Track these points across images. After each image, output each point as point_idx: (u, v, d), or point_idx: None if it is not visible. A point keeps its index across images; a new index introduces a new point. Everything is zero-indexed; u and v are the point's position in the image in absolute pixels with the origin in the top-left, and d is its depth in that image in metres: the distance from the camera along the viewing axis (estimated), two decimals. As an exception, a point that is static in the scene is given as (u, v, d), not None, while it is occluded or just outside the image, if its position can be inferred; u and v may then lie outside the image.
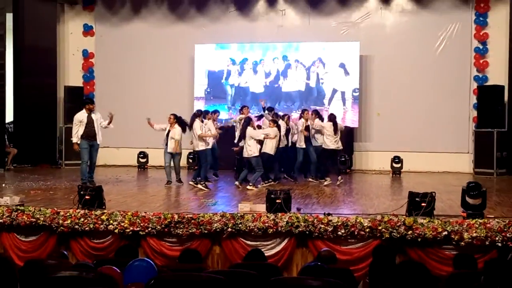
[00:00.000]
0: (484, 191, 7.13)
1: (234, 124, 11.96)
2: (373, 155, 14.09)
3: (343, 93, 13.88)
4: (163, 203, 8.93)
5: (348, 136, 13.52)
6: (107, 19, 15.35)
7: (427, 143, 13.66)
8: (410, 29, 14.02)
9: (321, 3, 14.28)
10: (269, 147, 10.67)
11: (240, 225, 7.07)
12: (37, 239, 7.56)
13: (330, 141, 10.85)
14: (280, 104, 14.06)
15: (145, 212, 7.41)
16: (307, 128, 11.48)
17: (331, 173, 11.28)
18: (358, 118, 13.89)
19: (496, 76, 13.36)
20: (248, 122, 10.64)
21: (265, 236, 7.09)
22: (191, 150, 12.19)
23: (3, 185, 10.92)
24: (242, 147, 10.70)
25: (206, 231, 7.13)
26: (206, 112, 11.51)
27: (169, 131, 10.68)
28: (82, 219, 7.35)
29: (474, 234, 6.61)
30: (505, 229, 6.58)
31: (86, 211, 7.49)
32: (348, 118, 13.84)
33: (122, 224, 7.25)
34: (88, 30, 15.49)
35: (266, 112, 11.75)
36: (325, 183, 10.88)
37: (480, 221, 6.76)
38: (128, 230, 7.23)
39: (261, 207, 7.51)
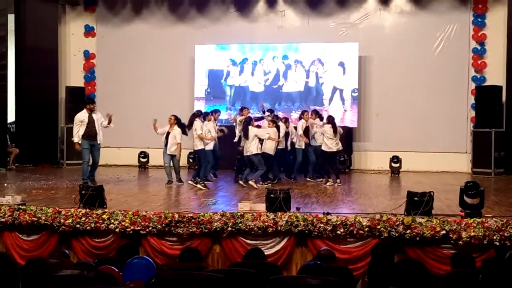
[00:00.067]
0: (482, 191, 7.13)
1: (234, 124, 11.94)
2: (372, 155, 14.10)
3: (341, 91, 13.86)
4: (164, 203, 8.93)
5: (347, 136, 13.50)
6: (108, 20, 15.35)
7: (426, 143, 13.66)
8: (408, 30, 14.03)
9: (320, 4, 14.29)
10: (269, 147, 10.68)
11: (240, 224, 7.07)
12: (38, 238, 7.55)
13: (331, 143, 10.82)
14: (280, 104, 14.06)
15: (145, 212, 7.41)
16: (306, 129, 11.45)
17: (330, 173, 11.27)
18: (357, 118, 13.89)
19: (494, 77, 13.36)
20: (248, 122, 10.64)
21: (265, 235, 7.09)
22: (191, 150, 12.19)
23: (5, 184, 10.93)
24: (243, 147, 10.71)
25: (206, 230, 7.13)
26: (206, 113, 11.49)
27: (168, 132, 10.67)
28: (83, 218, 7.34)
29: (472, 233, 6.61)
30: (503, 228, 6.58)
31: (87, 210, 7.49)
32: (347, 118, 13.84)
33: (123, 223, 7.24)
34: (89, 31, 15.49)
35: (267, 114, 11.73)
36: (328, 183, 10.87)
37: (478, 220, 6.76)
38: (129, 229, 7.23)
39: (261, 207, 7.51)
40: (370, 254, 6.04)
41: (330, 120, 11.08)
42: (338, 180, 10.98)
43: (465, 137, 13.65)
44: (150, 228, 7.20)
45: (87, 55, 15.50)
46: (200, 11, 14.81)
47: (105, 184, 9.07)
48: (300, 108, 13.79)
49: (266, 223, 7.03)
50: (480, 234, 6.58)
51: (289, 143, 11.65)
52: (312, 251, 6.94)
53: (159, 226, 7.18)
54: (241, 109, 11.86)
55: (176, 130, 10.67)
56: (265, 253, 6.39)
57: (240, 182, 10.56)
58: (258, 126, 11.22)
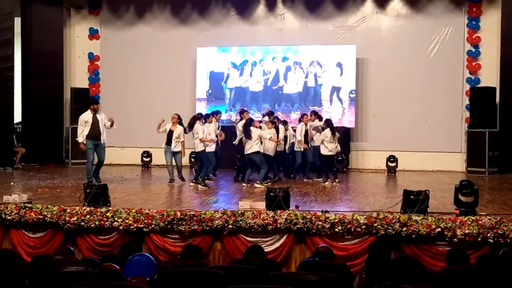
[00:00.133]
0: (476, 189, 7.13)
1: (235, 124, 11.93)
2: (369, 155, 14.09)
3: (339, 92, 13.85)
4: (166, 201, 8.93)
5: (345, 136, 13.50)
6: (112, 23, 15.35)
7: (421, 143, 13.66)
8: (405, 32, 14.03)
9: (318, 7, 14.28)
10: (268, 148, 10.69)
11: (241, 222, 7.07)
12: (44, 235, 7.55)
13: (331, 147, 10.81)
14: (280, 105, 14.05)
15: (148, 210, 7.41)
16: (306, 133, 11.42)
17: (329, 173, 11.27)
18: (355, 119, 13.89)
19: (488, 78, 13.36)
20: (250, 123, 10.63)
21: (265, 232, 7.09)
22: (193, 149, 12.17)
23: (12, 183, 10.94)
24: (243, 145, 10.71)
25: (207, 228, 7.13)
26: (207, 115, 11.47)
27: (171, 131, 10.67)
28: (88, 216, 7.35)
29: (467, 231, 6.61)
30: (497, 226, 6.58)
31: (92, 208, 7.49)
32: (345, 118, 13.84)
33: (127, 221, 7.25)
34: (93, 34, 15.49)
35: (266, 118, 11.71)
36: (327, 183, 10.88)
37: (473, 218, 6.76)
38: (132, 227, 7.23)
39: (261, 205, 7.50)
40: (367, 251, 6.03)
41: (329, 123, 11.06)
42: (336, 180, 10.98)
43: (459, 137, 13.65)
44: (153, 226, 7.21)
45: (92, 57, 15.50)
46: (201, 14, 14.81)
47: (109, 183, 9.08)
48: (299, 109, 13.83)
49: (266, 221, 7.03)
50: (474, 231, 6.59)
51: (287, 146, 11.63)
52: (310, 248, 6.94)
53: (162, 223, 7.19)
54: (241, 112, 11.78)
55: (179, 128, 10.68)
56: (265, 250, 6.38)
57: (243, 184, 10.52)
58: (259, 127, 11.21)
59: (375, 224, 6.83)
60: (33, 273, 4.53)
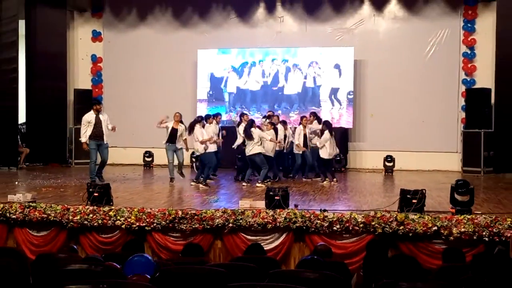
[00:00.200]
0: (472, 189, 7.13)
1: (235, 125, 11.92)
2: (366, 154, 14.09)
3: (337, 93, 13.86)
4: (168, 200, 8.93)
5: (343, 136, 13.52)
6: (114, 25, 15.34)
7: (418, 143, 13.65)
8: (402, 35, 14.02)
9: (317, 10, 14.28)
10: (268, 148, 10.68)
11: (241, 221, 7.07)
12: (48, 234, 7.56)
13: (331, 149, 10.82)
14: (280, 106, 14.04)
15: (150, 209, 7.41)
16: (305, 136, 11.41)
17: (327, 172, 11.27)
18: (353, 119, 13.89)
19: (483, 80, 13.36)
20: (251, 124, 10.62)
21: (265, 231, 7.09)
22: (193, 148, 12.16)
23: (16, 183, 10.94)
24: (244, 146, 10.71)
25: (208, 227, 7.13)
26: (208, 116, 11.48)
27: (174, 129, 10.65)
28: (91, 215, 7.35)
29: (463, 229, 6.61)
30: (492, 225, 6.58)
31: (95, 207, 7.49)
32: (343, 119, 13.84)
33: (129, 219, 7.25)
34: (96, 36, 15.50)
35: (267, 121, 11.69)
36: (325, 182, 10.88)
37: (468, 217, 6.76)
38: (134, 226, 7.23)
39: (261, 204, 7.50)
40: (365, 249, 6.04)
41: (328, 125, 11.04)
42: (334, 179, 10.98)
43: (455, 137, 13.65)
44: (154, 225, 7.21)
45: (95, 59, 15.50)
46: (202, 17, 14.81)
47: (112, 182, 9.07)
48: (298, 109, 13.82)
49: (266, 220, 7.03)
50: (470, 230, 6.59)
51: (287, 145, 11.62)
52: (309, 246, 6.94)
53: (163, 222, 7.19)
54: (241, 115, 11.75)
55: (182, 126, 10.73)
56: (265, 248, 6.39)
57: (243, 184, 10.53)
58: (259, 127, 11.21)
59: (373, 223, 6.83)
60: (37, 271, 4.53)
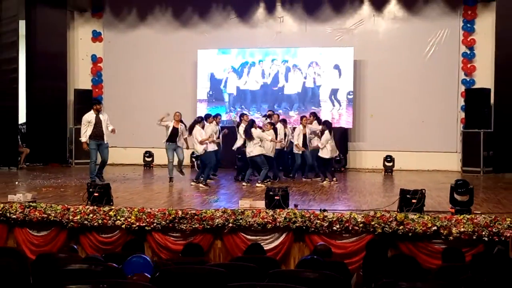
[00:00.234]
0: (471, 189, 7.13)
1: (235, 125, 11.92)
2: (366, 154, 14.09)
3: (337, 93, 13.86)
4: (168, 200, 8.93)
5: (343, 136, 13.53)
6: (114, 25, 15.34)
7: (418, 143, 13.66)
8: (401, 35, 14.02)
9: (317, 10, 14.28)
10: (267, 149, 10.68)
11: (241, 221, 7.07)
12: (48, 234, 7.55)
13: (332, 149, 10.85)
14: (280, 106, 14.03)
15: (150, 208, 7.41)
16: (304, 136, 11.41)
17: (327, 172, 11.27)
18: (352, 119, 13.89)
19: (483, 80, 13.36)
20: (251, 124, 10.63)
21: (264, 231, 7.09)
22: (193, 149, 12.17)
23: (16, 183, 10.94)
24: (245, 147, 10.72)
25: (208, 226, 7.13)
26: (208, 115, 11.49)
27: (175, 128, 10.65)
28: (91, 215, 7.35)
29: (462, 229, 6.61)
30: (491, 224, 6.58)
31: (95, 207, 7.49)
32: (343, 119, 13.85)
33: (129, 219, 7.25)
34: (96, 36, 15.50)
35: (267, 120, 11.70)
36: (325, 182, 10.88)
37: (468, 216, 6.76)
38: (134, 225, 7.23)
39: (261, 204, 7.50)
40: (364, 249, 6.03)
41: (328, 124, 11.06)
42: (334, 179, 10.99)
43: (455, 137, 13.65)
44: (154, 224, 7.21)
45: (95, 59, 15.49)
46: (202, 17, 14.80)
47: (112, 182, 9.07)
48: (298, 109, 13.81)
49: (266, 220, 7.03)
50: (470, 230, 6.59)
51: (287, 144, 11.63)
52: (309, 246, 6.94)
53: (163, 222, 7.19)
54: (241, 115, 11.75)
55: (182, 126, 10.76)
56: (265, 248, 6.39)
57: (243, 184, 10.53)
58: (259, 127, 11.21)
59: (372, 223, 6.83)
60: (37, 270, 4.53)
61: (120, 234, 7.34)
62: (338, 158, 13.00)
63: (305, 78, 14.05)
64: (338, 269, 4.54)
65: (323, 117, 12.35)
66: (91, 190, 7.74)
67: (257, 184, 10.23)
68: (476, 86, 13.46)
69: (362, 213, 7.04)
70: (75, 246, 6.45)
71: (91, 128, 10.43)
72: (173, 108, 10.98)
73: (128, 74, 15.14)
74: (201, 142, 10.38)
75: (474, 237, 6.59)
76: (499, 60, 12.63)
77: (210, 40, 14.66)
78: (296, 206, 7.60)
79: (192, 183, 10.49)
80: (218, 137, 11.39)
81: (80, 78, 15.54)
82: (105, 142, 10.59)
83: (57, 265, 4.29)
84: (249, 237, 7.10)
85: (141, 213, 7.27)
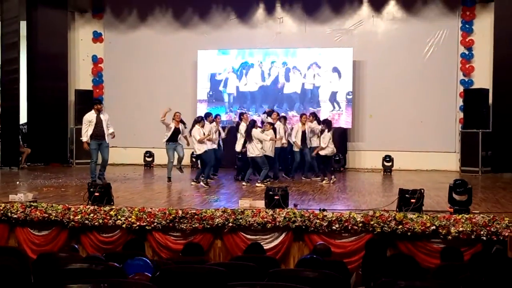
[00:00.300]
0: (470, 188, 7.14)
1: (234, 125, 11.94)
2: (365, 154, 14.09)
3: (336, 94, 13.86)
4: (168, 200, 8.94)
5: (342, 136, 13.54)
6: (115, 26, 15.34)
7: (416, 143, 13.66)
8: (400, 36, 14.03)
9: (316, 11, 14.28)
10: (267, 148, 10.69)
11: (241, 220, 7.07)
12: (49, 233, 7.55)
13: (332, 147, 10.88)
14: (280, 106, 14.01)
15: (151, 208, 7.40)
16: (303, 133, 11.43)
17: (326, 171, 11.28)
18: (352, 120, 13.89)
19: (481, 80, 13.36)
20: (253, 125, 10.64)
21: (264, 230, 7.09)
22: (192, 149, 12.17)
23: (18, 182, 10.93)
24: (244, 151, 10.73)
25: (208, 226, 7.13)
26: (208, 114, 11.50)
27: (177, 128, 10.65)
28: (91, 215, 7.34)
29: (461, 229, 6.61)
30: (490, 224, 6.58)
31: (96, 207, 7.49)
32: (342, 119, 13.84)
33: (130, 219, 7.24)
34: (97, 37, 15.49)
35: (265, 115, 11.72)
36: (324, 181, 10.90)
37: (466, 216, 6.76)
38: (135, 225, 7.23)
39: (260, 203, 7.50)
40: (363, 248, 6.03)
41: (328, 124, 11.08)
42: (333, 177, 11.02)
43: (453, 137, 13.65)
44: (155, 224, 7.21)
45: (95, 60, 15.49)
46: (202, 18, 14.81)
47: (113, 182, 9.08)
48: (298, 110, 13.80)
49: (265, 219, 7.03)
50: (468, 229, 6.59)
51: (287, 140, 11.63)
52: (308, 246, 6.94)
53: (164, 222, 7.18)
54: (241, 114, 11.77)
55: (181, 126, 10.78)
56: (264, 248, 6.38)
57: (243, 183, 10.53)
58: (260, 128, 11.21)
59: (372, 222, 6.83)
60: (38, 270, 4.53)
61: (120, 234, 7.33)
62: (338, 158, 13.02)
63: (304, 77, 14.04)
64: (337, 269, 4.54)
65: (322, 118, 12.33)
66: (91, 190, 7.74)
67: (257, 184, 10.24)
68: (475, 86, 13.47)
69: (361, 213, 7.04)
70: (76, 246, 6.45)
71: (92, 128, 10.42)
72: (173, 108, 10.97)
73: (128, 74, 15.14)
74: (200, 141, 10.40)
75: (473, 237, 6.59)
76: (498, 60, 12.62)
77: (210, 41, 14.66)
78: (295, 205, 7.60)
79: (192, 183, 10.49)
80: (218, 136, 11.41)
81: (80, 78, 15.54)
82: (106, 142, 10.57)
83: (58, 264, 4.29)
84: (249, 236, 7.10)
85: (141, 213, 7.27)
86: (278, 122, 11.41)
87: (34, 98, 14.51)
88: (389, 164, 13.15)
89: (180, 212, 7.21)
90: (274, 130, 11.09)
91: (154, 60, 14.97)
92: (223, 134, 11.89)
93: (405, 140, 13.69)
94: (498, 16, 12.69)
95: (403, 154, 13.53)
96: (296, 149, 11.50)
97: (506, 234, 6.48)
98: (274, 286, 3.86)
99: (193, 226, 7.14)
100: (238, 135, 11.32)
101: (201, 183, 10.24)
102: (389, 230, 6.76)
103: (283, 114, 12.60)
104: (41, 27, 14.53)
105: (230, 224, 7.08)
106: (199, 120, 10.79)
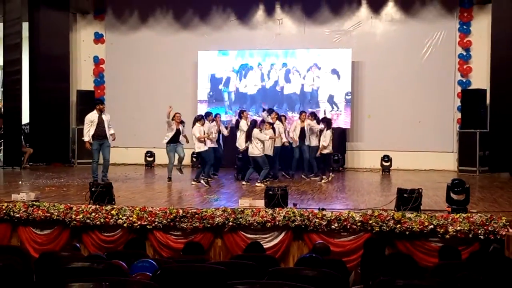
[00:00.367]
0: (467, 188, 7.14)
1: (233, 125, 11.96)
2: (364, 154, 14.09)
3: (335, 95, 13.85)
4: (169, 199, 8.94)
5: (341, 136, 13.54)
6: (116, 27, 15.34)
7: (415, 143, 13.66)
8: (398, 37, 14.03)
9: (315, 12, 14.28)
10: (266, 148, 10.70)
11: (241, 219, 7.07)
12: (51, 232, 7.55)
13: (331, 146, 10.93)
14: (280, 107, 13.99)
15: (152, 207, 7.41)
16: (302, 130, 11.45)
17: (325, 170, 11.29)
18: (350, 120, 13.89)
19: (479, 81, 13.36)
20: (254, 124, 10.65)
21: (264, 229, 7.09)
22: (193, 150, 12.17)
23: (20, 182, 10.93)
24: (247, 147, 10.72)
25: (208, 225, 7.13)
26: (208, 113, 11.50)
27: (177, 129, 10.64)
28: (93, 214, 7.35)
29: (458, 228, 6.61)
30: (487, 223, 6.59)
31: (97, 206, 7.49)
32: (341, 119, 13.83)
33: (131, 218, 7.25)
34: (99, 38, 15.49)
35: (265, 113, 11.73)
36: (323, 181, 10.90)
37: (464, 215, 6.77)
38: (136, 224, 7.23)
39: (260, 203, 7.50)
40: (362, 247, 6.05)
41: (328, 123, 11.11)
42: (331, 174, 11.09)
43: (451, 137, 13.66)
44: (156, 223, 7.21)
45: (97, 61, 15.49)
46: (202, 19, 14.80)
47: (114, 182, 9.08)
48: (298, 111, 13.78)
49: (265, 218, 7.03)
50: (466, 228, 6.59)
51: (286, 139, 11.64)
52: (308, 245, 6.94)
53: (165, 221, 7.19)
54: (241, 112, 11.79)
55: (181, 126, 10.79)
56: (264, 247, 6.38)
57: (243, 182, 10.54)
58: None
59: (370, 221, 6.83)
60: (41, 269, 4.53)
61: (122, 233, 7.34)
62: (336, 157, 13.03)
63: (303, 78, 14.04)
64: (336, 267, 4.54)
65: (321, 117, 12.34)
66: (93, 189, 7.75)
67: (257, 184, 10.24)
68: (472, 87, 13.47)
69: (360, 212, 7.04)
70: (78, 245, 6.45)
71: (93, 128, 10.40)
72: (174, 108, 10.97)
73: (129, 75, 15.13)
74: (199, 139, 10.41)
75: (470, 236, 6.59)
76: (495, 61, 12.64)
77: (210, 42, 14.66)
78: (295, 205, 7.60)
79: (193, 183, 10.49)
80: (218, 135, 11.43)
81: (82, 79, 15.54)
82: (108, 142, 10.54)
83: (60, 263, 4.29)
84: (248, 235, 7.10)
85: (142, 212, 7.28)
86: (277, 122, 11.41)
87: (36, 99, 14.51)
88: (388, 164, 13.16)
89: (180, 211, 7.21)
90: (274, 130, 11.09)
91: (155, 61, 14.97)
92: (225, 132, 11.91)
93: (403, 140, 13.70)
94: (496, 18, 12.70)
95: (401, 154, 13.53)
96: (294, 145, 11.52)
97: (503, 233, 6.49)
98: (273, 284, 3.86)
99: (194, 225, 7.14)
100: (238, 133, 11.33)
101: (202, 181, 10.26)
102: (387, 229, 6.76)
103: (282, 114, 12.59)
104: (43, 28, 14.52)
105: (230, 223, 7.09)
106: (199, 119, 10.79)
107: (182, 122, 10.84)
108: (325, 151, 10.91)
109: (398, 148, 13.55)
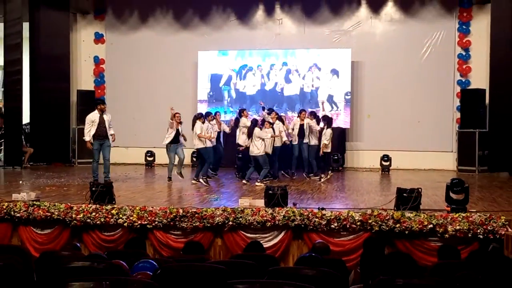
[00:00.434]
0: (466, 187, 7.14)
1: (233, 124, 11.97)
2: (363, 154, 14.09)
3: (335, 95, 13.86)
4: (169, 199, 8.94)
5: (341, 136, 13.53)
6: (117, 27, 15.34)
7: (414, 143, 13.66)
8: (398, 37, 14.03)
9: (315, 12, 14.28)
10: (266, 146, 10.70)
11: (241, 219, 7.08)
12: (52, 232, 7.56)
13: (330, 145, 10.98)
14: (280, 107, 13.99)
15: (152, 207, 7.41)
16: (301, 127, 11.46)
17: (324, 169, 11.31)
18: (350, 120, 13.89)
19: (478, 81, 13.36)
20: (255, 123, 10.66)
21: (264, 229, 7.09)
22: (194, 149, 12.17)
23: (20, 182, 10.93)
24: (247, 147, 10.73)
25: (208, 225, 7.13)
26: (208, 113, 11.51)
27: (177, 130, 10.63)
28: (93, 214, 7.35)
29: (458, 227, 6.62)
30: (486, 223, 6.59)
31: (98, 206, 7.50)
32: (341, 119, 13.84)
33: (131, 218, 7.25)
34: (99, 38, 15.49)
35: (265, 112, 11.74)
36: (322, 179, 10.91)
37: (463, 215, 6.77)
38: (136, 224, 7.24)
39: (260, 202, 7.50)
40: (362, 246, 6.05)
41: (329, 121, 11.14)
42: (329, 172, 11.17)
43: (451, 137, 13.66)
44: (156, 223, 7.21)
45: (97, 61, 15.49)
46: (202, 19, 14.80)
47: (114, 181, 9.08)
48: (299, 110, 13.79)
49: (265, 218, 7.03)
50: (465, 227, 6.60)
51: (288, 138, 11.65)
52: (307, 244, 6.94)
53: (165, 220, 7.19)
54: (241, 111, 11.80)
55: (180, 126, 10.75)
56: (264, 246, 6.37)
57: (244, 181, 10.54)
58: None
59: (370, 221, 6.83)
60: (41, 268, 4.53)
61: (122, 232, 7.34)
62: (336, 157, 13.03)
63: (303, 78, 14.04)
64: (336, 267, 4.55)
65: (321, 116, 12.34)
66: (93, 189, 7.75)
67: (257, 183, 10.24)
68: (471, 86, 13.47)
69: (360, 212, 7.04)
70: (78, 244, 6.46)
71: (94, 128, 10.39)
72: (174, 108, 10.96)
73: (130, 75, 15.13)
74: (199, 136, 10.41)
75: (469, 235, 6.60)
76: (494, 61, 12.64)
77: (210, 42, 14.66)
78: (294, 204, 7.60)
79: (193, 181, 10.50)
80: (218, 134, 11.44)
81: (82, 79, 15.53)
82: (108, 141, 10.53)
83: (61, 262, 4.29)
84: (248, 235, 7.11)
85: (142, 212, 7.28)
86: (277, 122, 11.42)
87: (36, 99, 14.51)
88: (387, 163, 13.16)
89: (180, 211, 7.22)
90: (273, 130, 11.09)
91: (155, 61, 14.97)
92: (227, 129, 11.91)
93: (402, 139, 13.70)
94: (495, 18, 12.70)
95: (400, 153, 13.53)
96: (294, 142, 11.53)
97: (503, 232, 6.49)
98: (273, 284, 3.86)
99: (194, 224, 7.14)
100: (238, 131, 11.33)
101: (201, 180, 10.26)
102: (387, 228, 6.76)
103: (282, 114, 12.60)
104: (43, 29, 14.52)
105: (230, 223, 7.09)
106: (199, 116, 10.81)
107: (180, 123, 10.83)
108: (326, 150, 10.94)
109: (397, 147, 13.55)
